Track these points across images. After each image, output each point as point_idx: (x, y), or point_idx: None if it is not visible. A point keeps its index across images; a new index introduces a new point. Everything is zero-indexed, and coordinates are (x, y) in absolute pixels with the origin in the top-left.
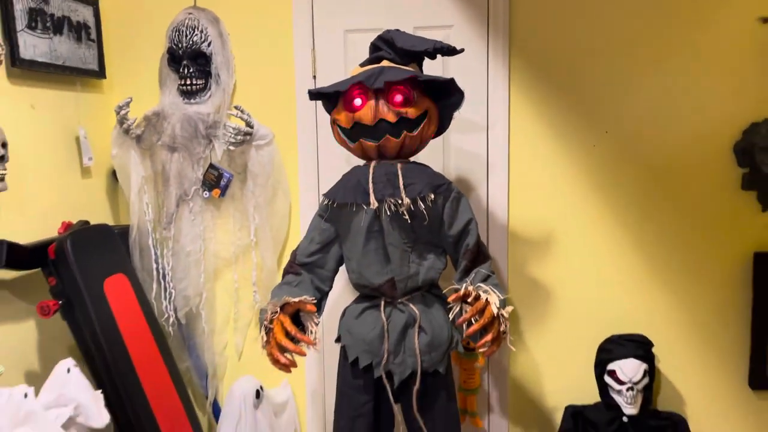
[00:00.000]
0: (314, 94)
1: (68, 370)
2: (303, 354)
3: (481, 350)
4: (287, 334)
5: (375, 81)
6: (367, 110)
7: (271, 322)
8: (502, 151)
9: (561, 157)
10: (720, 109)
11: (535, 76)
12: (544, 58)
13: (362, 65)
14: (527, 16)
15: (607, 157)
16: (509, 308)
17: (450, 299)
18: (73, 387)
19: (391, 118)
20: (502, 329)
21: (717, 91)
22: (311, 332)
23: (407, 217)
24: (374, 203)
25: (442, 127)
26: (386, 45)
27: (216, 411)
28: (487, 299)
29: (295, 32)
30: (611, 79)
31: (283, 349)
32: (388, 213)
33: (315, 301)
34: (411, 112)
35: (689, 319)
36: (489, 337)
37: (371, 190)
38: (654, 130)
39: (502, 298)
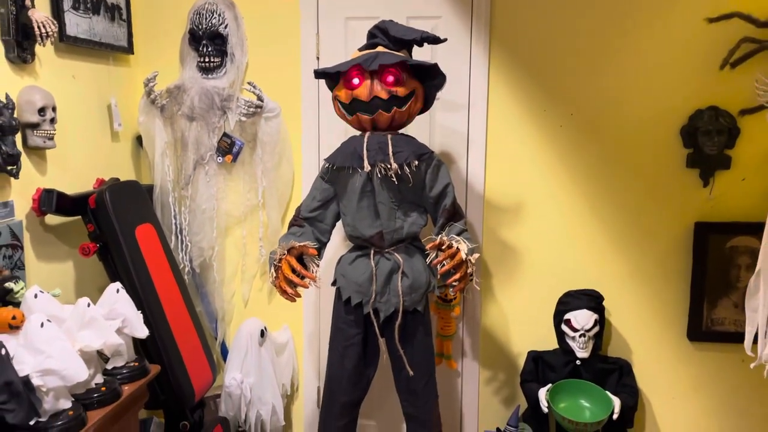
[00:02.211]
0: (319, 73)
1: (117, 291)
2: (306, 287)
3: (450, 289)
4: (293, 271)
5: (371, 64)
6: (363, 88)
7: (279, 261)
8: (480, 128)
9: (532, 135)
10: (669, 97)
11: (512, 64)
12: (520, 48)
13: (360, 49)
14: (506, 11)
15: (571, 135)
16: (476, 255)
17: (428, 247)
18: (121, 304)
19: (384, 95)
20: (469, 271)
21: (667, 80)
22: (313, 271)
23: (395, 179)
24: (367, 167)
25: (427, 105)
26: (381, 33)
27: (224, 351)
28: (457, 247)
29: (302, 18)
30: (577, 68)
31: (289, 283)
32: (379, 176)
33: (317, 247)
34: (400, 90)
35: (637, 278)
36: (457, 275)
37: (365, 156)
38: (612, 114)
39: (470, 246)
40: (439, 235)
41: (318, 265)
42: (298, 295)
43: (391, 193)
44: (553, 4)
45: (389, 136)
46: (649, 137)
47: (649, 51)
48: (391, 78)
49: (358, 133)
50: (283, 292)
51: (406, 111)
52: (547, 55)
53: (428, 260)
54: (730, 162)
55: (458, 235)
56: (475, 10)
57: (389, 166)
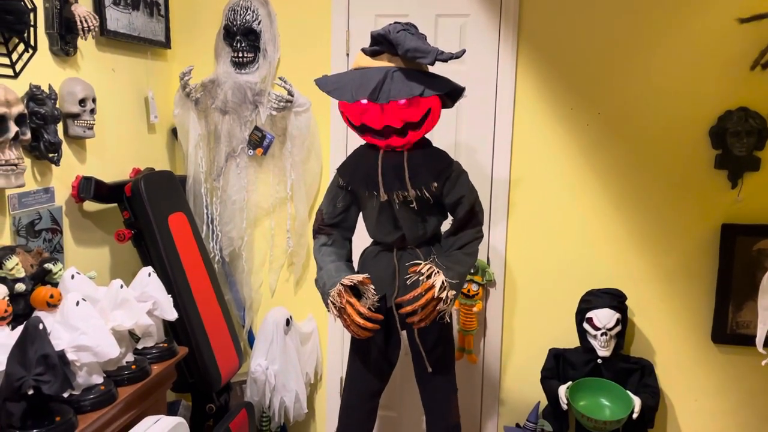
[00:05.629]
0: (320, 84)
1: (149, 275)
2: (377, 327)
3: (408, 320)
4: (360, 314)
5: (379, 95)
6: (373, 117)
7: (341, 302)
8: (507, 125)
9: (558, 133)
10: (699, 97)
11: (539, 61)
12: (547, 46)
13: (365, 53)
14: (535, 9)
15: (598, 135)
16: (452, 293)
17: (409, 270)
18: (152, 287)
19: (397, 124)
20: (438, 308)
21: (697, 80)
22: (368, 298)
23: (414, 205)
24: (384, 197)
25: (444, 107)
26: (388, 44)
27: (251, 338)
28: (433, 283)
29: (333, 15)
30: (605, 67)
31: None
32: (397, 201)
33: (369, 276)
34: (415, 116)
35: (662, 279)
36: (416, 318)
37: (380, 184)
38: (640, 114)
39: (451, 281)
40: (427, 261)
41: (374, 291)
42: (371, 334)
43: (410, 208)
44: (582, 4)
45: (405, 156)
46: (678, 137)
47: (679, 51)
48: (404, 101)
49: None
50: (357, 335)
51: (422, 130)
52: (575, 53)
53: (409, 282)
54: (760, 164)
55: (461, 248)
56: (504, 7)
57: (407, 194)
